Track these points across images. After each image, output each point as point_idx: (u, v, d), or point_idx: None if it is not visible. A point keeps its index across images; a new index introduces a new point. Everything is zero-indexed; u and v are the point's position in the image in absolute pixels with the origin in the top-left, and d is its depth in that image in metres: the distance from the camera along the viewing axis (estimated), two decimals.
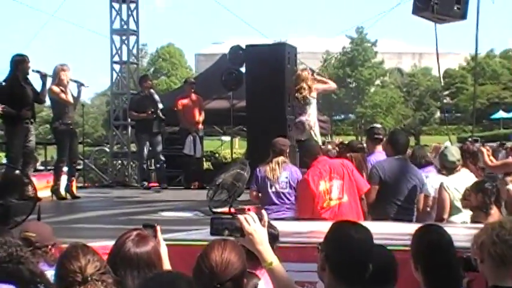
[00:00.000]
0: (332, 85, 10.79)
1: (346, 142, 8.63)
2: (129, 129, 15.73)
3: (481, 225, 3.66)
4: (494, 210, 5.89)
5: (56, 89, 10.28)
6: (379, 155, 7.67)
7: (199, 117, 12.91)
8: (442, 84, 54.59)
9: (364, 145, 8.42)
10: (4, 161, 11.58)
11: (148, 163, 13.94)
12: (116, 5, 16.05)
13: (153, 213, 8.71)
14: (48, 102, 10.76)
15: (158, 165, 12.90)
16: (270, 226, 4.04)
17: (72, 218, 8.49)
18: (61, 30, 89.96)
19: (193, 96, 12.98)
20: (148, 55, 71.34)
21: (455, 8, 9.95)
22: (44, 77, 9.91)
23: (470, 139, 11.10)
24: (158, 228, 3.54)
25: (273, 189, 7.60)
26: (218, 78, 14.13)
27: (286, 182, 7.61)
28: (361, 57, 61.38)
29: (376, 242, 3.13)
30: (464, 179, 6.67)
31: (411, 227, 4.19)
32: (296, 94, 9.97)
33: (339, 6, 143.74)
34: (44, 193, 9.92)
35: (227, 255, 2.94)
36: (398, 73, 68.86)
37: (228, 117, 14.06)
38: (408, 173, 6.98)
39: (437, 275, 3.41)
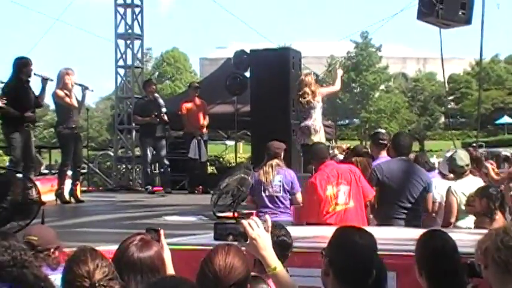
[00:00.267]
0: (336, 86, 10.76)
1: (353, 147, 8.60)
2: (134, 133, 15.75)
3: (485, 231, 3.64)
4: (498, 216, 5.88)
5: (60, 93, 10.29)
6: (383, 160, 7.64)
7: (204, 121, 12.91)
8: (447, 89, 54.49)
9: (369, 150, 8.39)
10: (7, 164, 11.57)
11: (153, 167, 13.95)
12: (121, 10, 16.10)
13: (157, 218, 8.72)
14: (52, 106, 10.75)
15: (162, 170, 12.91)
16: (285, 234, 4.04)
17: (76, 222, 8.50)
18: (66, 34, 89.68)
19: (198, 100, 12.98)
20: (152, 59, 71.44)
21: (460, 13, 9.95)
22: (44, 80, 9.87)
23: (474, 144, 11.08)
24: (162, 232, 3.54)
25: (267, 193, 7.54)
26: (223, 83, 14.16)
27: (280, 186, 7.54)
28: (366, 62, 61.32)
29: (380, 247, 3.12)
30: (471, 184, 6.66)
31: (415, 233, 4.18)
32: (300, 99, 9.96)
33: (343, 11, 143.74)
34: (48, 197, 9.94)
35: (231, 260, 2.93)
36: (402, 78, 68.82)
37: (233, 122, 14.08)
38: (411, 174, 6.89)
39: (442, 281, 3.41)
